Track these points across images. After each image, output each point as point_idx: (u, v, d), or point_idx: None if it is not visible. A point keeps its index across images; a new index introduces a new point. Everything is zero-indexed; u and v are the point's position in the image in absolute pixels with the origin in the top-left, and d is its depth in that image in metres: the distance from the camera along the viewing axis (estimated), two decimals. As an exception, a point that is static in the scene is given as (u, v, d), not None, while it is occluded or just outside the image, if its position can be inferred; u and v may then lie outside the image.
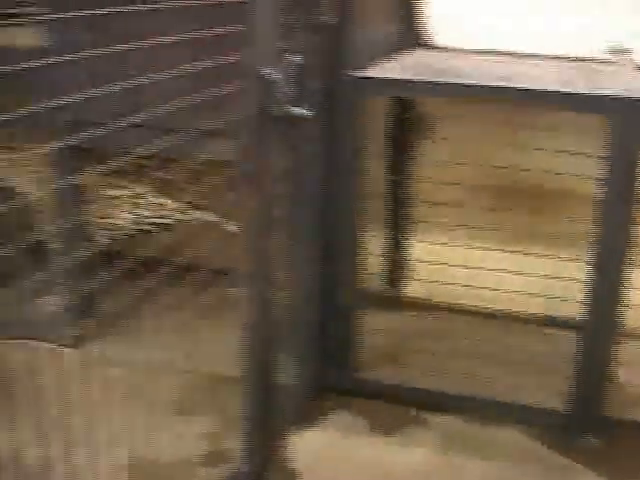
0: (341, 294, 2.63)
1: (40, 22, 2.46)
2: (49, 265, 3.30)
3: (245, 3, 1.59)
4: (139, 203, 3.14)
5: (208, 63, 1.54)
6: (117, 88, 1.28)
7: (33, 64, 1.08)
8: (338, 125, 2.45)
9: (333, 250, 2.58)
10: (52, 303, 3.34)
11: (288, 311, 2.56)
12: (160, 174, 3.02)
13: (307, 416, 2.55)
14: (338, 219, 2.55)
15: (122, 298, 1.45)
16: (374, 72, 2.46)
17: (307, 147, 2.39)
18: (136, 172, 3.06)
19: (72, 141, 1.29)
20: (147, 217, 3.17)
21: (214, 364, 2.64)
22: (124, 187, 3.14)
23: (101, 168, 3.03)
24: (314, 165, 2.46)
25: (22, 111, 3.43)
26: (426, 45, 3.08)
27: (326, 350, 2.69)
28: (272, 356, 2.13)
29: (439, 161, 3.04)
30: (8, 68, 1.02)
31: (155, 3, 1.35)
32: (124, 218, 3.18)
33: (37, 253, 3.35)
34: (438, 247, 3.17)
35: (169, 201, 3.13)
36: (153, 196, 3.14)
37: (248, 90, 1.64)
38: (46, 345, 3.07)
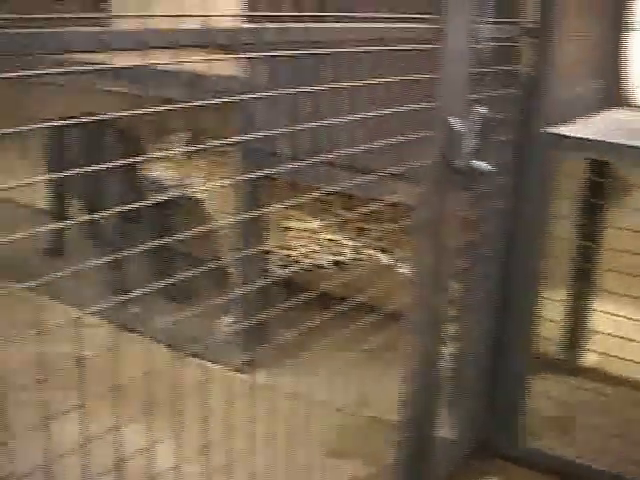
0: (513, 356, 2.58)
1: (254, 58, 2.63)
2: (227, 288, 3.49)
3: (437, 50, 1.63)
4: (318, 238, 3.24)
5: (399, 108, 1.59)
6: (310, 125, 1.35)
7: (243, 96, 1.18)
8: (527, 182, 2.42)
9: (509, 309, 2.54)
10: (227, 326, 3.51)
11: (455, 365, 2.54)
12: (341, 211, 3.12)
13: (460, 475, 2.50)
14: (518, 277, 2.51)
15: (294, 329, 1.51)
16: (570, 130, 2.41)
17: (492, 201, 2.38)
18: (318, 207, 3.17)
19: (266, 172, 1.38)
20: (324, 253, 3.26)
21: (374, 406, 2.66)
22: (305, 220, 3.26)
23: (288, 200, 3.18)
24: (498, 220, 2.45)
25: (223, 139, 3.67)
26: (630, 105, 2.98)
27: (490, 410, 2.63)
28: (433, 407, 2.12)
29: (631, 229, 2.91)
30: (217, 99, 1.13)
31: (354, 46, 1.42)
32: (301, 251, 3.30)
33: (217, 275, 3.55)
34: (621, 319, 3.02)
35: (347, 239, 3.20)
36: (332, 232, 3.23)
37: (433, 138, 1.67)
38: (216, 367, 3.23)
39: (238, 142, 2.87)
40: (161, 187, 3.61)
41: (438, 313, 1.90)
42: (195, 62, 1.04)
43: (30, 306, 0.89)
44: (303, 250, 3.28)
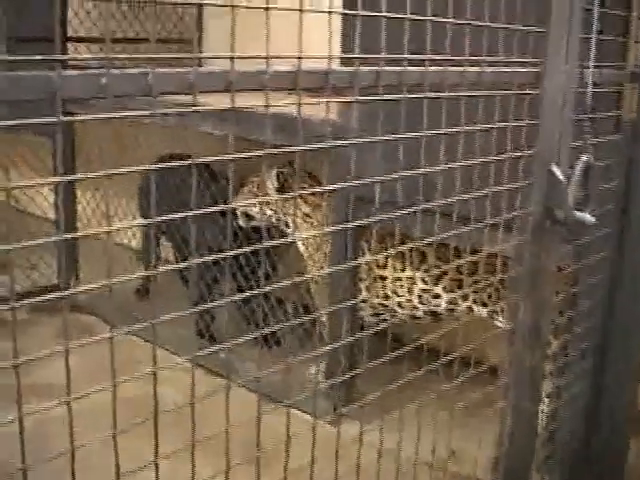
0: (613, 415, 2.49)
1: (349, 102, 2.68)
2: (317, 336, 3.50)
3: (537, 95, 1.62)
4: (413, 288, 3.23)
5: (498, 155, 1.59)
6: (407, 173, 1.36)
7: (337, 142, 1.20)
8: (633, 230, 2.36)
9: (611, 364, 2.46)
10: (314, 375, 3.52)
11: (551, 424, 2.47)
12: (436, 261, 3.10)
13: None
14: (620, 331, 2.44)
15: (385, 382, 1.51)
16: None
17: (595, 252, 2.33)
18: (414, 256, 3.16)
19: (363, 221, 1.39)
20: (418, 303, 3.25)
21: (466, 464, 2.60)
22: (400, 269, 3.25)
23: (383, 247, 3.20)
24: (601, 270, 2.39)
25: (317, 181, 3.69)
26: None
27: (588, 471, 2.54)
28: (526, 468, 2.06)
29: None
30: (313, 145, 1.15)
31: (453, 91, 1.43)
32: (395, 300, 3.29)
33: (307, 321, 3.59)
34: None
35: (442, 290, 3.18)
36: (427, 283, 3.21)
37: (533, 186, 1.65)
38: (304, 416, 3.23)
39: (332, 189, 2.92)
40: (253, 227, 3.68)
41: (535, 370, 1.86)
42: (286, 105, 1.07)
43: (118, 344, 0.92)
44: (397, 300, 3.27)
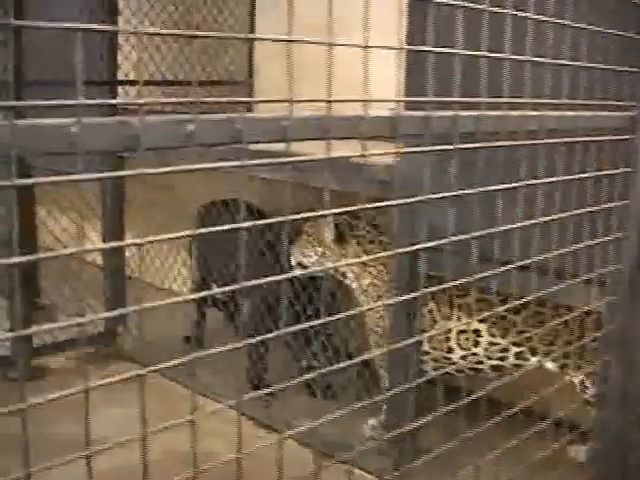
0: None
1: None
2: (375, 387, 3.45)
3: (632, 141, 1.56)
4: (478, 341, 3.17)
5: (588, 208, 1.53)
6: (482, 233, 1.33)
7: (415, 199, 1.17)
8: None
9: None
10: (372, 429, 3.46)
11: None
12: (502, 312, 3.03)
13: None
14: None
15: (446, 435, 1.46)
16: None
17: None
18: (479, 307, 3.10)
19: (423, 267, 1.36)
20: (484, 356, 3.18)
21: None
22: (461, 320, 3.19)
23: (447, 297, 3.15)
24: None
25: (377, 226, 3.65)
26: None
27: None
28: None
29: None
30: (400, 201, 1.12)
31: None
32: (459, 353, 3.23)
33: (366, 373, 3.54)
34: None
35: (508, 342, 3.11)
36: (490, 335, 3.15)
37: (627, 240, 1.58)
38: (362, 473, 3.16)
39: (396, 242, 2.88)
40: (310, 277, 3.66)
41: (625, 437, 1.77)
42: (385, 154, 1.04)
43: (167, 396, 0.89)
44: (461, 352, 3.22)
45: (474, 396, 1.49)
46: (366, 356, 1.21)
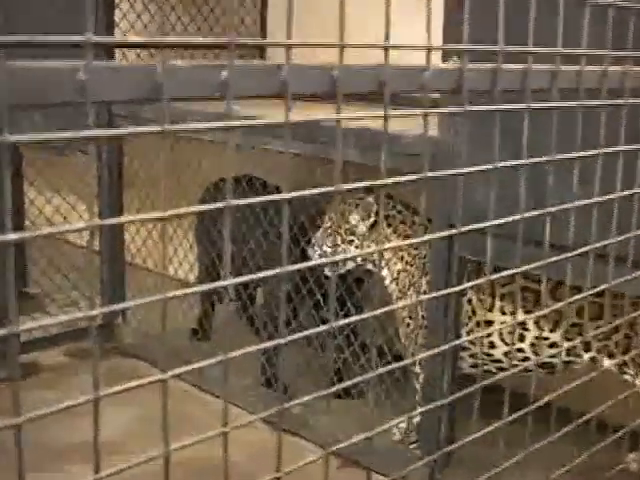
0: None
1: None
2: (406, 385, 3.44)
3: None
4: (524, 335, 3.13)
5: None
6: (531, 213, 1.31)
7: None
8: None
9: None
10: (404, 432, 3.45)
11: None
12: (553, 303, 3.00)
13: None
14: None
15: (485, 443, 1.45)
16: None
17: None
18: (525, 297, 3.08)
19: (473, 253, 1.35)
20: (531, 353, 3.15)
21: None
22: (504, 311, 3.17)
23: (488, 286, 3.12)
24: None
25: (412, 209, 3.65)
26: None
27: None
28: None
29: None
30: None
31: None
32: (503, 349, 3.20)
33: (397, 371, 3.52)
34: None
35: (559, 337, 3.08)
36: (538, 328, 3.12)
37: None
38: (390, 481, 3.16)
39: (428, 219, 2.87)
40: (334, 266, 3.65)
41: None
42: (376, 118, 1.02)
43: (172, 395, 0.88)
44: (504, 348, 3.19)
45: (538, 404, 1.48)
46: (406, 361, 1.20)
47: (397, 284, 3.48)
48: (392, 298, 3.51)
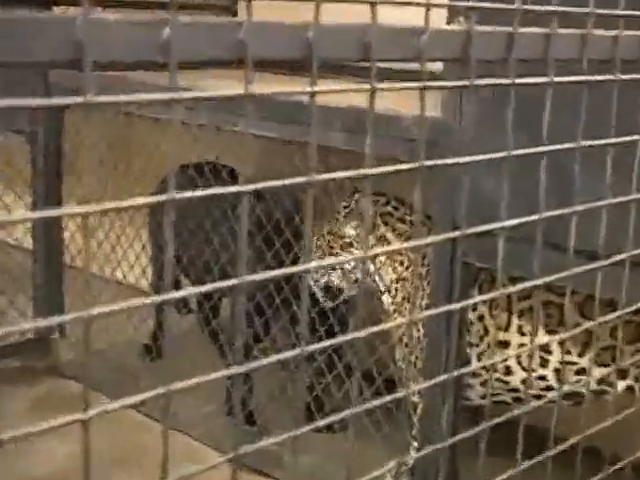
0: None
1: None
2: (405, 419, 3.43)
3: None
4: (546, 359, 3.10)
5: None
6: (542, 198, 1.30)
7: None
8: None
9: None
10: (396, 474, 3.44)
11: None
12: (582, 321, 2.98)
13: None
14: None
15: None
16: None
17: None
18: (548, 313, 3.04)
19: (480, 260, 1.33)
20: (554, 380, 3.11)
21: None
22: (523, 330, 3.14)
23: (499, 299, 3.09)
24: None
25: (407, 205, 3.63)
26: None
27: None
28: None
29: None
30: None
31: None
32: (521, 376, 3.16)
33: (394, 401, 3.49)
34: None
35: (588, 363, 3.05)
36: (564, 351, 3.08)
37: None
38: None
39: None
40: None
41: None
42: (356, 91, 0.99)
43: (123, 426, 0.85)
44: (522, 374, 3.15)
45: (562, 446, 1.46)
46: (400, 394, 1.18)
47: (393, 296, 3.47)
48: (387, 311, 3.50)
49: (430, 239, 1.11)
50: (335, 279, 3.64)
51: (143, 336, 4.51)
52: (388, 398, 1.18)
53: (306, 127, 3.27)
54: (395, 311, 3.46)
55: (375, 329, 1.06)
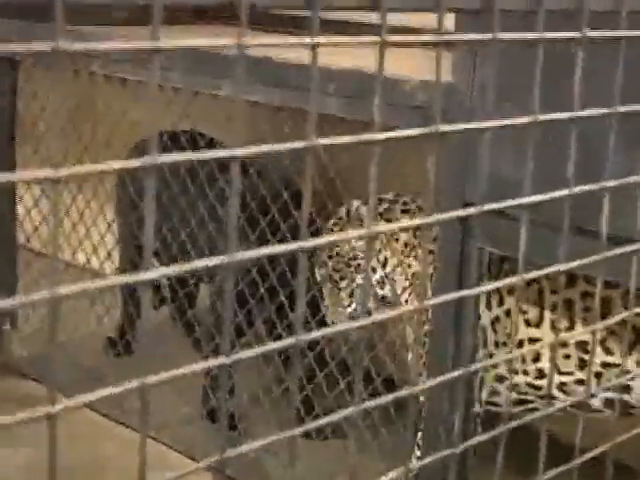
0: None
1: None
2: (411, 423, 3.42)
3: None
4: (584, 359, 3.04)
5: None
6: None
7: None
8: None
9: None
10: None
11: None
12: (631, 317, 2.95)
13: None
14: None
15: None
16: None
17: None
18: (578, 306, 3.02)
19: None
20: (590, 384, 3.06)
21: None
22: (557, 326, 3.11)
23: (528, 291, 3.07)
24: None
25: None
26: None
27: None
28: None
29: None
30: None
31: None
32: (550, 380, 3.10)
33: (399, 403, 3.48)
34: None
35: (634, 364, 3.01)
36: (605, 351, 3.01)
37: None
38: None
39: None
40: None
41: None
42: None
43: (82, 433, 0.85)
44: (558, 378, 3.08)
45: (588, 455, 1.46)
46: (403, 392, 1.17)
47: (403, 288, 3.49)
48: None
49: (439, 216, 1.10)
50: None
51: (107, 329, 4.49)
52: (391, 397, 1.17)
53: (298, 91, 3.28)
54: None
55: (370, 320, 1.06)
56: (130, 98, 4.21)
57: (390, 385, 3.52)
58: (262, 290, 3.75)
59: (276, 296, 3.74)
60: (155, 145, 0.82)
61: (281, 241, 3.65)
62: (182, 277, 4.08)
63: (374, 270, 3.57)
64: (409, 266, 3.48)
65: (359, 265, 3.61)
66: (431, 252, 3.30)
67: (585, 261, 1.28)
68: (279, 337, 3.70)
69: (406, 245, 3.48)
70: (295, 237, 3.26)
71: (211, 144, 4.04)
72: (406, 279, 3.49)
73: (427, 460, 1.13)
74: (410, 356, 3.46)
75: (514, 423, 1.31)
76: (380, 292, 3.60)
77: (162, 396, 3.54)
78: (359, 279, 3.61)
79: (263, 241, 3.65)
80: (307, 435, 3.63)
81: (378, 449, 3.45)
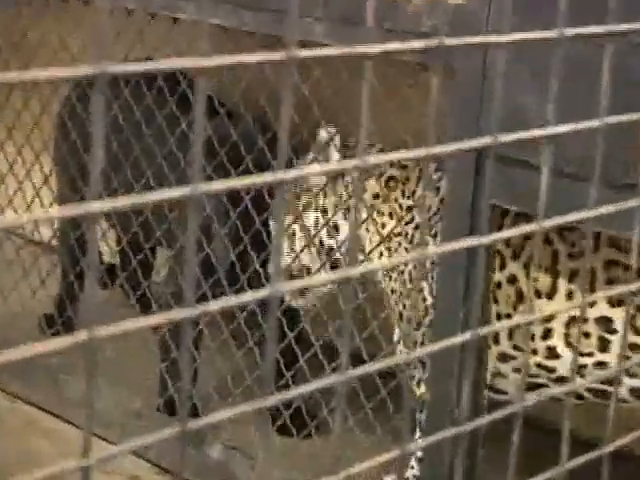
0: None
1: None
2: (399, 414, 3.48)
3: None
4: (607, 340, 3.02)
5: None
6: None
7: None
8: None
9: None
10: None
11: None
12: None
13: None
14: None
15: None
16: None
17: None
18: (609, 278, 3.01)
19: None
20: (613, 367, 3.06)
21: None
22: (573, 298, 3.10)
23: (541, 255, 3.08)
24: None
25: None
26: None
27: None
28: None
29: None
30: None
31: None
32: (565, 358, 3.10)
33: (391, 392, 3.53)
34: None
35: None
36: (632, 329, 2.99)
37: None
38: None
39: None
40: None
41: None
42: None
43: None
44: (580, 360, 3.05)
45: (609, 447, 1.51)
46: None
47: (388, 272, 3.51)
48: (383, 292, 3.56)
49: (454, 145, 1.12)
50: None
51: (45, 304, 4.50)
52: (377, 366, 1.18)
53: (275, 14, 3.30)
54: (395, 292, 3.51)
55: (360, 269, 1.09)
56: (71, 25, 4.22)
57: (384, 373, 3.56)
58: (232, 256, 3.76)
59: (249, 261, 3.76)
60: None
61: (257, 199, 3.67)
62: (135, 239, 4.08)
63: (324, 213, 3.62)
64: (383, 226, 3.51)
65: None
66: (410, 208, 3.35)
67: (620, 206, 1.31)
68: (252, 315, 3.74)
69: (377, 197, 3.51)
70: (271, 192, 3.30)
71: (171, 79, 4.01)
72: (378, 233, 3.52)
73: (432, 439, 1.16)
74: (398, 332, 3.50)
75: (529, 401, 1.35)
76: (327, 242, 3.68)
77: (111, 387, 3.59)
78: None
79: (235, 200, 3.66)
80: (284, 430, 3.68)
81: (370, 446, 3.49)
